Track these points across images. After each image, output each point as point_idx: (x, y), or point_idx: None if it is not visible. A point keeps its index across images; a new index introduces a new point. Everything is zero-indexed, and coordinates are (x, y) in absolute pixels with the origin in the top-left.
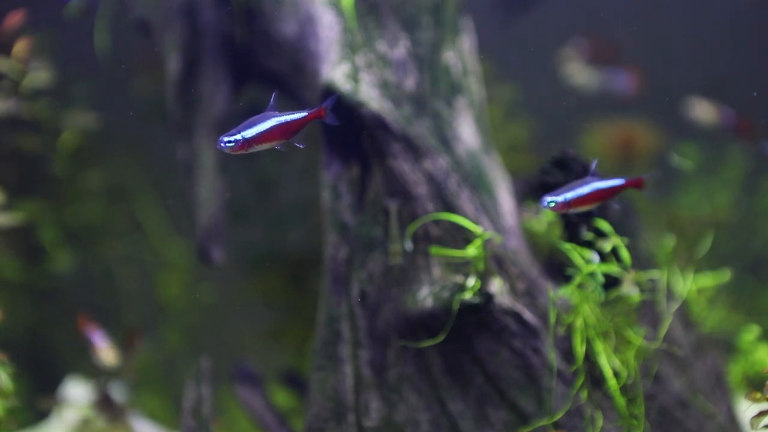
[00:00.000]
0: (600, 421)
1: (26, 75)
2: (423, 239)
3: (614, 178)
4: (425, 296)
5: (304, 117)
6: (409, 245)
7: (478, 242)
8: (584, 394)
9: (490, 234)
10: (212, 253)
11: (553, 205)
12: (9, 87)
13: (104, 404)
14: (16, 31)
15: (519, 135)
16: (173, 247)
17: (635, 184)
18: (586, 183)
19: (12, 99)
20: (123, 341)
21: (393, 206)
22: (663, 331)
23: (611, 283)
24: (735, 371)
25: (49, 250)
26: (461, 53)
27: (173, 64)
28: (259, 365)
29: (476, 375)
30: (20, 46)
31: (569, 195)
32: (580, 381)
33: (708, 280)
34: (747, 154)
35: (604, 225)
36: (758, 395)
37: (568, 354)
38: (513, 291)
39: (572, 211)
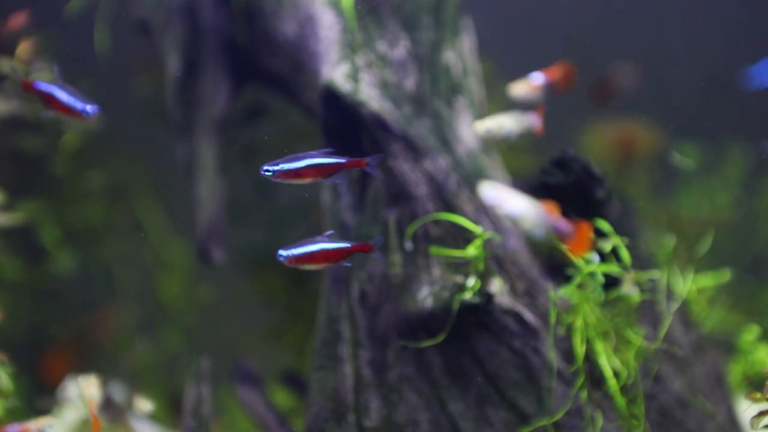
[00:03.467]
0: (600, 421)
1: (29, 75)
2: (423, 239)
3: (342, 241)
4: (425, 296)
5: (342, 163)
6: (409, 245)
7: (478, 242)
8: (584, 394)
9: (490, 234)
10: (212, 253)
11: (282, 258)
12: (11, 87)
13: (104, 404)
14: (18, 32)
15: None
16: (173, 247)
17: (362, 249)
18: (316, 242)
19: (14, 99)
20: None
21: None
22: (663, 331)
23: (611, 283)
24: (735, 371)
25: (49, 250)
26: (461, 53)
27: (173, 64)
28: (259, 365)
29: (476, 375)
30: (23, 47)
31: (296, 251)
32: (580, 381)
33: (708, 280)
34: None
35: (604, 225)
36: (758, 395)
37: (568, 354)
38: (513, 291)
39: (303, 266)
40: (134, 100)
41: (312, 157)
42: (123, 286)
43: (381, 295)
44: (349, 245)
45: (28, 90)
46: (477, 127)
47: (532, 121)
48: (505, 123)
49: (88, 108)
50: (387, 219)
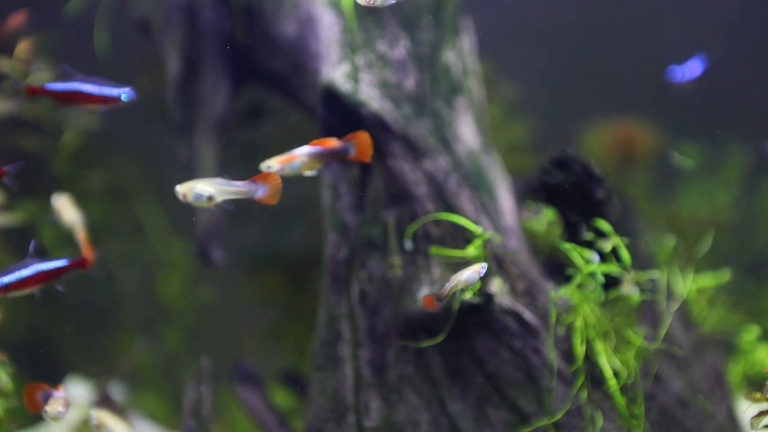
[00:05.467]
0: (600, 421)
1: (28, 75)
2: (423, 239)
3: (57, 259)
4: (425, 296)
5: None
6: (409, 245)
7: (478, 242)
8: (584, 394)
9: (490, 234)
10: (212, 254)
11: None
12: (11, 87)
13: (104, 404)
14: (18, 32)
15: (519, 135)
16: (173, 247)
17: (80, 264)
18: (27, 265)
19: (14, 99)
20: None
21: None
22: (663, 331)
23: (611, 283)
24: (735, 371)
25: (49, 250)
26: (461, 53)
27: (173, 64)
28: (259, 365)
29: (476, 375)
30: (23, 47)
31: (6, 279)
32: (580, 381)
33: (708, 280)
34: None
35: (604, 225)
36: (758, 395)
37: (568, 354)
38: (513, 291)
39: (11, 294)
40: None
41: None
42: (123, 286)
43: (381, 295)
44: (65, 262)
45: (37, 94)
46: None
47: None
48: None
49: (124, 92)
50: (386, 221)
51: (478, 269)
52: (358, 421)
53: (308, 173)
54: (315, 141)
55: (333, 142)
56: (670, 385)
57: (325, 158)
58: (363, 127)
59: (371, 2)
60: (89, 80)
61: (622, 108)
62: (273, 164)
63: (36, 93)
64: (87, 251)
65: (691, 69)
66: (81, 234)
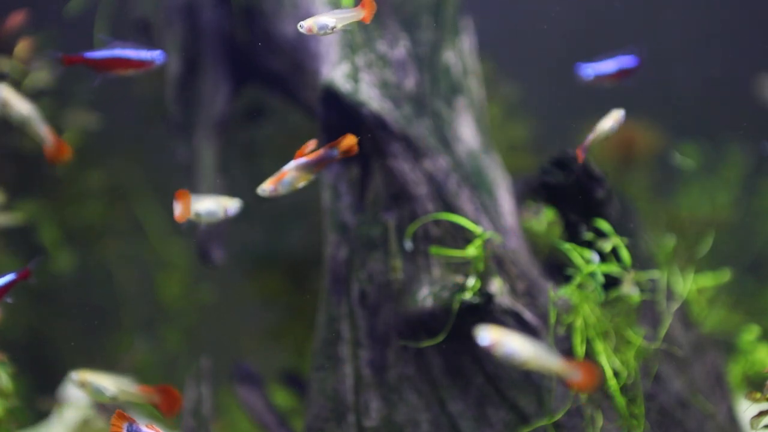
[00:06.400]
0: (600, 421)
1: (28, 75)
2: (423, 239)
3: (6, 274)
4: (425, 296)
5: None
6: (409, 245)
7: (478, 242)
8: (584, 394)
9: (490, 234)
10: (212, 254)
11: None
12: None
13: (104, 404)
14: (17, 31)
15: (519, 135)
16: (173, 247)
17: (23, 276)
18: None
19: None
20: None
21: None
22: (663, 331)
23: (611, 283)
24: (735, 371)
25: (49, 250)
26: (461, 53)
27: (173, 64)
28: (259, 365)
29: (476, 375)
30: (22, 46)
31: None
32: None
33: (708, 280)
34: (747, 154)
35: (604, 225)
36: (758, 395)
37: (568, 354)
38: (513, 291)
39: None
40: (134, 100)
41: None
42: (123, 286)
43: (381, 295)
44: (12, 276)
45: (75, 62)
46: None
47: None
48: None
49: (156, 55)
50: (387, 223)
51: (617, 117)
52: (358, 421)
53: (302, 185)
54: (298, 152)
55: (318, 152)
56: (670, 385)
57: (315, 168)
58: (363, 127)
59: (309, 29)
60: (126, 46)
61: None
62: (266, 187)
63: (74, 62)
64: (57, 147)
65: (603, 67)
66: (41, 127)
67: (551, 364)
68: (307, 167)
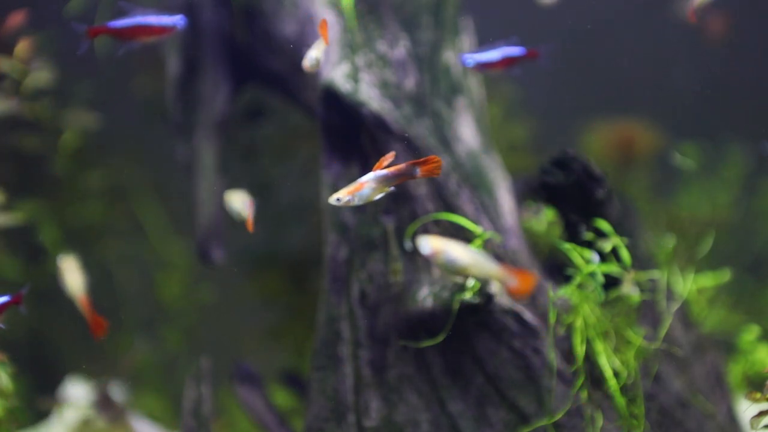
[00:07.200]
0: (600, 421)
1: (28, 75)
2: None
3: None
4: (425, 296)
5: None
6: (409, 245)
7: (478, 242)
8: (584, 394)
9: (490, 234)
10: (212, 253)
11: None
12: (10, 87)
13: (104, 404)
14: (17, 31)
15: (519, 135)
16: (173, 247)
17: (15, 301)
18: None
19: (13, 99)
20: None
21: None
22: (663, 331)
23: (611, 283)
24: (735, 371)
25: (49, 250)
26: (461, 53)
27: (173, 64)
28: (259, 365)
29: (476, 375)
30: (22, 46)
31: None
32: (580, 381)
33: (708, 280)
34: (747, 154)
35: (604, 225)
36: (758, 395)
37: (568, 354)
38: None
39: None
40: (134, 100)
41: None
42: (123, 286)
43: (381, 295)
44: (6, 299)
45: (100, 33)
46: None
47: None
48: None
49: (177, 20)
50: (387, 225)
51: None
52: (358, 421)
53: (378, 197)
54: (377, 164)
55: (398, 166)
56: (670, 385)
57: (394, 181)
58: (363, 127)
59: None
60: (144, 12)
61: (622, 108)
62: (341, 196)
63: (99, 33)
64: (95, 322)
65: (485, 56)
66: (83, 301)
67: (489, 269)
68: (386, 180)
